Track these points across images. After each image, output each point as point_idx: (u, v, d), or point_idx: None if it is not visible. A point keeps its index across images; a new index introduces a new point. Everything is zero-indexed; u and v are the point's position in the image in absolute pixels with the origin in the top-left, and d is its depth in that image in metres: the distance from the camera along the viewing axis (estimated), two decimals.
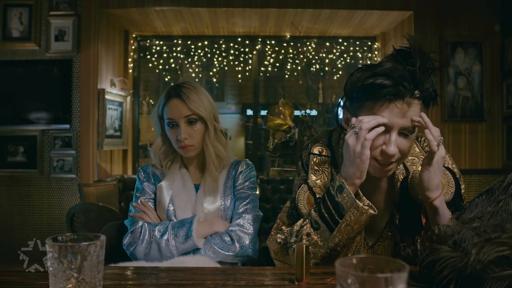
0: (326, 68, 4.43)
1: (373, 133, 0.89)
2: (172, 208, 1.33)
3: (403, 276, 0.47)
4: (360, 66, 0.98)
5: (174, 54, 4.30)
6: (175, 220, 1.30)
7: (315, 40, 4.23)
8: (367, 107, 0.93)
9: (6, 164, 3.32)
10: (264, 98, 6.97)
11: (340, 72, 4.43)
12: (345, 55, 4.35)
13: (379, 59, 4.06)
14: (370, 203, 0.94)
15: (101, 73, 3.40)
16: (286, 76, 4.68)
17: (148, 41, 4.21)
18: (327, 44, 4.28)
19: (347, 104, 1.00)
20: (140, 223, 1.29)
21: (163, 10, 3.40)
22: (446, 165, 1.06)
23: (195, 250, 1.25)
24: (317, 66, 4.47)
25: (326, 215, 0.95)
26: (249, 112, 6.76)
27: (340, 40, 4.23)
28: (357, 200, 0.91)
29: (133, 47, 4.04)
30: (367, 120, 0.89)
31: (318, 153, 1.11)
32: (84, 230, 2.46)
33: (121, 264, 1.11)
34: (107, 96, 3.42)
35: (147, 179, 1.39)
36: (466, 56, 3.40)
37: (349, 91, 0.96)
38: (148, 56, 4.28)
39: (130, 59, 3.99)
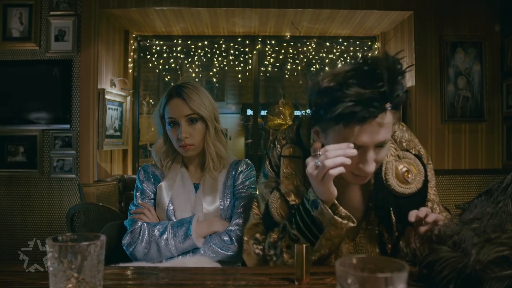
0: (326, 68, 4.42)
1: (338, 169, 0.85)
2: (171, 208, 1.33)
3: (403, 276, 0.47)
4: (320, 81, 0.89)
5: (174, 54, 4.30)
6: (174, 220, 1.30)
7: (315, 40, 4.23)
8: (338, 129, 0.88)
9: (6, 164, 3.32)
10: (264, 98, 6.97)
11: None
12: (345, 55, 4.35)
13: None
14: (348, 214, 0.91)
15: (101, 73, 3.40)
16: (286, 76, 4.68)
17: (148, 41, 4.21)
18: (327, 44, 4.28)
19: (315, 117, 0.94)
20: (140, 223, 1.29)
21: (163, 10, 3.40)
22: (414, 152, 1.05)
23: (195, 250, 1.26)
24: (317, 66, 4.47)
25: (305, 230, 0.93)
26: (249, 112, 6.76)
27: (340, 40, 4.23)
28: (335, 217, 0.89)
29: (133, 47, 4.04)
30: (333, 154, 0.85)
31: (288, 155, 1.06)
32: (84, 230, 2.46)
33: (121, 264, 1.11)
34: (107, 96, 3.42)
35: (147, 179, 1.39)
36: (466, 56, 3.40)
37: (317, 112, 0.91)
38: (148, 56, 4.28)
39: (130, 59, 3.99)
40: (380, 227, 1.04)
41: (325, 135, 0.93)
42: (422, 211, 0.90)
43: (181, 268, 0.98)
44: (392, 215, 1.00)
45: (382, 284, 0.46)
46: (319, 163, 0.86)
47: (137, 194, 1.38)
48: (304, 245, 0.79)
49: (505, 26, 3.39)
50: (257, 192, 1.13)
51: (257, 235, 1.06)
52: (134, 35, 4.06)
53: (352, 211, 0.98)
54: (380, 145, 0.90)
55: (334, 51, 4.34)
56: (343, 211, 0.92)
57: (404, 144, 1.07)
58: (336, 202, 0.93)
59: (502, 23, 3.41)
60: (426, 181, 1.03)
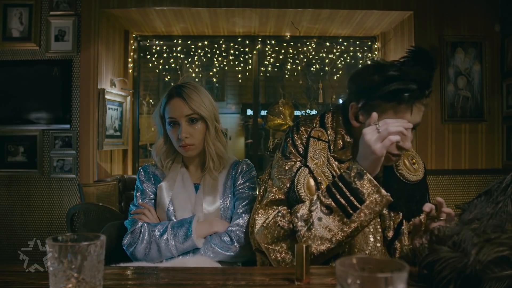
0: (326, 68, 4.42)
1: (397, 136, 0.92)
2: (172, 208, 1.33)
3: (403, 276, 0.47)
4: (369, 65, 1.02)
5: (174, 54, 4.30)
6: (174, 220, 1.30)
7: (315, 40, 4.23)
8: (388, 108, 0.98)
9: (6, 164, 3.32)
10: (264, 98, 6.97)
11: (340, 72, 4.43)
12: (345, 55, 4.35)
13: (379, 59, 4.06)
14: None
15: (101, 73, 3.40)
16: (286, 76, 4.68)
17: (148, 41, 4.21)
18: (327, 44, 4.28)
19: (358, 100, 1.03)
20: (140, 223, 1.29)
21: (163, 10, 3.40)
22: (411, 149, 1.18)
23: (195, 250, 1.26)
24: (317, 66, 4.47)
25: (343, 200, 0.95)
26: (249, 112, 6.76)
27: (340, 40, 4.23)
28: (380, 187, 0.94)
29: (133, 47, 4.04)
30: (394, 124, 0.93)
31: (317, 137, 1.11)
32: (84, 230, 2.46)
33: (121, 264, 1.11)
34: (107, 96, 3.42)
35: (147, 179, 1.39)
36: (466, 56, 3.40)
37: (365, 92, 1.01)
38: (148, 56, 4.28)
39: (130, 59, 3.99)
40: (383, 213, 1.10)
41: (367, 116, 1.01)
42: (439, 200, 0.97)
43: (181, 268, 0.98)
44: (400, 202, 1.10)
45: (382, 284, 0.46)
46: (380, 129, 0.94)
47: (137, 194, 1.38)
48: (304, 245, 0.79)
49: (505, 26, 3.39)
50: (273, 173, 1.13)
51: (281, 209, 1.06)
52: (134, 35, 4.06)
53: None
54: (414, 127, 1.00)
55: (334, 51, 4.34)
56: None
57: None
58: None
59: (502, 23, 3.40)
60: (425, 173, 1.17)
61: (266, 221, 1.06)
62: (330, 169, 1.08)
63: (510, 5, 3.35)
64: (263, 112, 5.16)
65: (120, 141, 3.76)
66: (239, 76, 4.65)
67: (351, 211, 0.94)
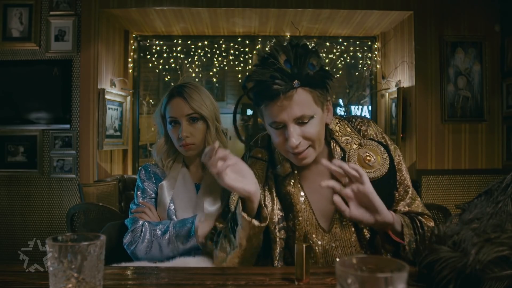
0: (326, 68, 4.41)
1: (215, 159, 0.94)
2: (172, 207, 1.33)
3: (403, 276, 0.47)
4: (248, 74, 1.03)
5: (174, 54, 4.30)
6: (175, 220, 1.30)
7: (315, 40, 4.23)
8: (261, 111, 1.00)
9: (6, 164, 3.32)
10: None
11: (340, 72, 4.43)
12: (345, 55, 4.35)
13: (379, 59, 4.07)
14: (267, 216, 0.99)
15: (101, 73, 3.40)
16: None
17: (148, 41, 4.21)
18: (327, 44, 4.27)
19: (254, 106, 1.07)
20: (141, 222, 1.29)
21: (163, 10, 3.41)
22: (377, 139, 1.10)
23: (197, 250, 1.26)
24: None
25: (233, 223, 1.02)
26: (249, 112, 6.75)
27: (340, 40, 4.22)
28: (242, 212, 0.96)
29: (133, 47, 4.04)
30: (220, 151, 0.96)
31: (254, 156, 1.14)
32: (84, 230, 2.46)
33: (122, 264, 1.11)
34: (107, 96, 3.42)
35: (148, 178, 1.39)
36: (466, 56, 3.40)
37: (252, 101, 1.04)
38: (148, 56, 4.28)
39: (130, 59, 3.99)
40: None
41: (263, 120, 1.04)
42: (339, 163, 0.92)
43: (181, 268, 0.98)
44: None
45: (382, 284, 0.46)
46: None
47: (138, 193, 1.38)
48: (304, 245, 0.79)
49: (505, 26, 3.39)
50: None
51: (217, 223, 1.16)
52: (134, 35, 4.06)
53: (324, 201, 1.06)
54: (301, 121, 0.96)
55: (334, 51, 4.33)
56: (265, 212, 1.00)
57: (368, 134, 1.11)
58: (262, 203, 1.01)
59: (502, 23, 3.40)
60: (393, 166, 1.06)
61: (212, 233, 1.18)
62: (266, 190, 1.08)
63: (510, 5, 3.35)
64: None
65: (120, 141, 3.76)
66: (239, 76, 4.65)
67: (235, 233, 1.01)
